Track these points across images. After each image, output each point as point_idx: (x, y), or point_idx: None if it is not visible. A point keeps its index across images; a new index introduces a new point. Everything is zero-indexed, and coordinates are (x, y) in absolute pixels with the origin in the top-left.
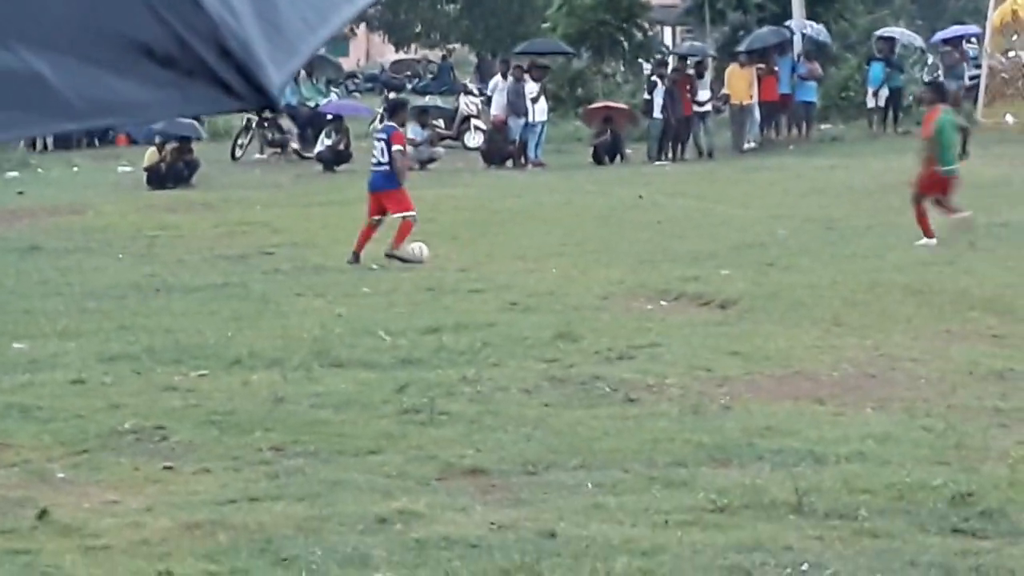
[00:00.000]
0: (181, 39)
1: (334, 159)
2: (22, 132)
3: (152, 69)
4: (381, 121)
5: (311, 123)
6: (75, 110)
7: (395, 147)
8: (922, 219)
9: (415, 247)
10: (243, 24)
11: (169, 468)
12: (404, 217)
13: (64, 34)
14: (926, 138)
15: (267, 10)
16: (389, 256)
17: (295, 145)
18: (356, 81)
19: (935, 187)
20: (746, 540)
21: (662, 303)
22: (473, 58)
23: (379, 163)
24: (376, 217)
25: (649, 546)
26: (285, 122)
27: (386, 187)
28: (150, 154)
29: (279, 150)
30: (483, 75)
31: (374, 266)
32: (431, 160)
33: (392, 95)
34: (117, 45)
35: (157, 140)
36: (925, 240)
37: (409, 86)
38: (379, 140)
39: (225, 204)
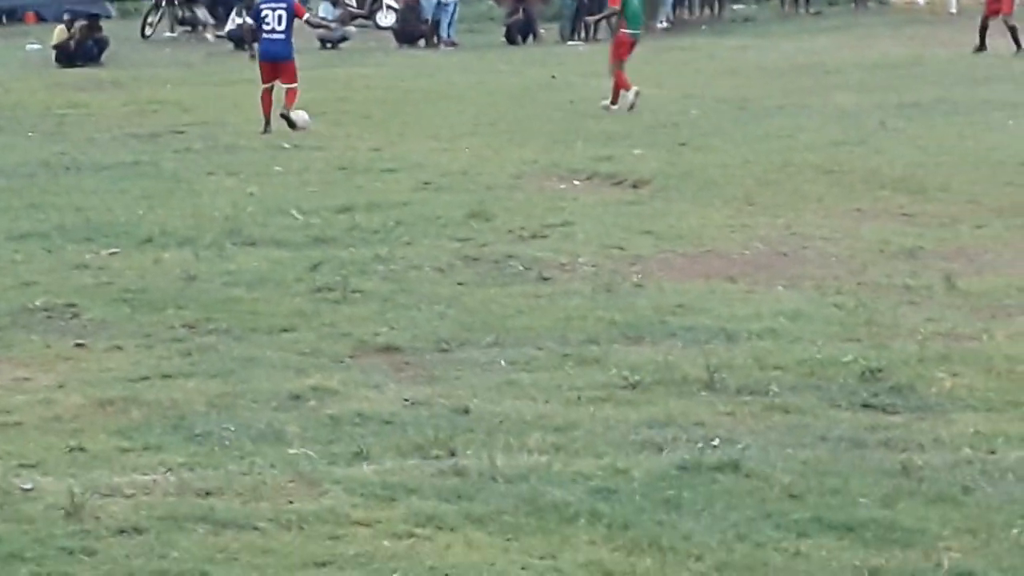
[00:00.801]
0: None
1: (245, 38)
2: None
3: None
4: None
5: (222, 2)
6: None
7: (305, 17)
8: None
9: (303, 114)
10: None
11: (81, 345)
12: (290, 88)
13: None
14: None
15: None
16: (284, 116)
17: (210, 21)
18: None
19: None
20: (658, 416)
21: (575, 182)
22: None
23: (274, 31)
24: (270, 84)
25: (562, 422)
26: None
27: (285, 57)
28: (59, 32)
29: (190, 28)
30: None
31: (286, 145)
32: (343, 39)
33: None
34: None
35: (66, 17)
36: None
37: None
38: (277, 10)
39: (135, 83)
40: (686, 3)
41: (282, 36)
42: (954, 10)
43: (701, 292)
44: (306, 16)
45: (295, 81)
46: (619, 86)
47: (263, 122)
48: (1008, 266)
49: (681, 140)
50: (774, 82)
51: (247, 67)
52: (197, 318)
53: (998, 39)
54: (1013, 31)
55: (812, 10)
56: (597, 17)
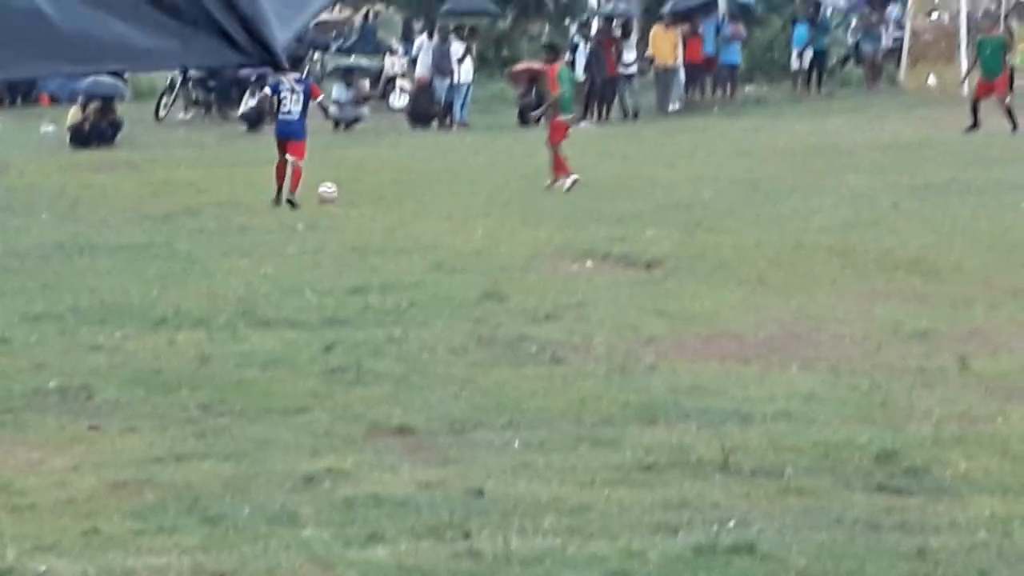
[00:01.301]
0: None
1: (258, 119)
2: (21, 71)
3: (157, 16)
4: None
5: (236, 83)
6: (75, 52)
7: (319, 99)
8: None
9: (324, 188)
10: None
11: (95, 427)
12: (297, 165)
13: None
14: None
15: None
16: (289, 202)
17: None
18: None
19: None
20: (673, 498)
21: (588, 263)
22: (398, 18)
23: (290, 112)
24: (285, 157)
25: (577, 504)
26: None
27: (299, 137)
28: (73, 113)
29: (204, 110)
30: (409, 35)
31: (299, 226)
32: (356, 120)
33: (318, 55)
34: None
35: (80, 99)
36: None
37: (334, 46)
38: (295, 92)
39: (149, 164)
40: (698, 85)
41: (297, 117)
42: (965, 92)
43: (715, 373)
44: (320, 98)
45: (302, 157)
46: (558, 169)
47: (275, 191)
48: (1023, 348)
49: (694, 221)
50: (786, 163)
51: (261, 148)
52: (211, 399)
53: (999, 119)
54: (1010, 111)
55: (824, 92)
56: (541, 110)
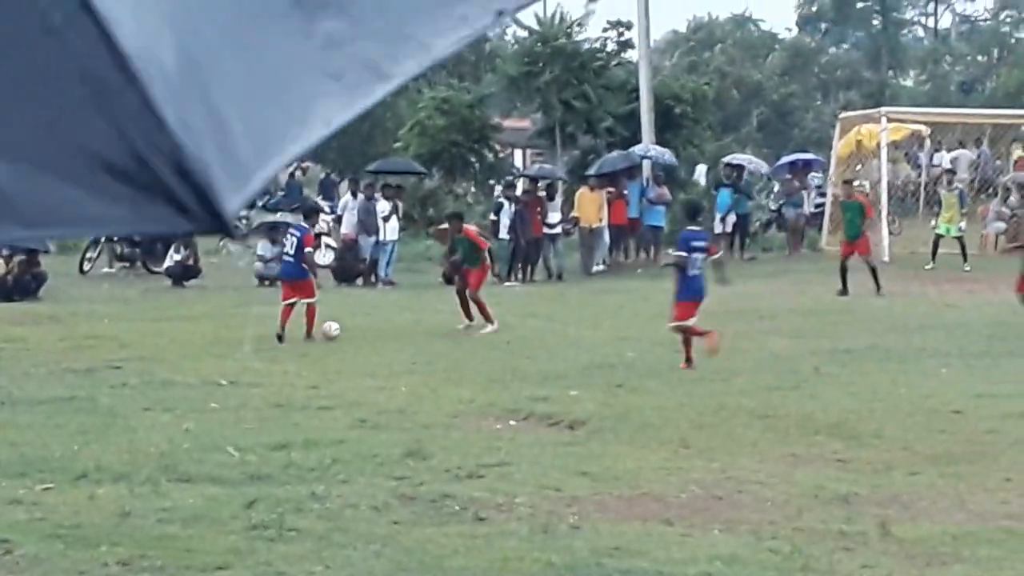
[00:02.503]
0: (141, 156)
1: (183, 274)
2: None
3: (109, 183)
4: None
5: (160, 238)
6: (26, 218)
7: (307, 249)
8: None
9: (328, 325)
10: (203, 149)
11: None
12: (309, 303)
13: (22, 141)
14: None
15: (224, 139)
16: (308, 338)
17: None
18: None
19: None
20: None
21: (511, 422)
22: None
23: (288, 254)
24: (290, 300)
25: None
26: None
27: (299, 277)
28: None
29: (128, 264)
30: (326, 193)
31: (222, 381)
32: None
33: (243, 211)
34: (76, 156)
35: (4, 252)
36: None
37: (259, 203)
38: (292, 236)
39: (73, 317)
40: (623, 246)
41: (292, 259)
42: (886, 258)
43: (638, 535)
44: (307, 250)
45: (311, 296)
46: (486, 314)
47: (279, 328)
48: (942, 514)
49: (617, 382)
50: (709, 325)
51: (184, 303)
52: (131, 555)
53: (920, 285)
54: (874, 272)
55: (746, 256)
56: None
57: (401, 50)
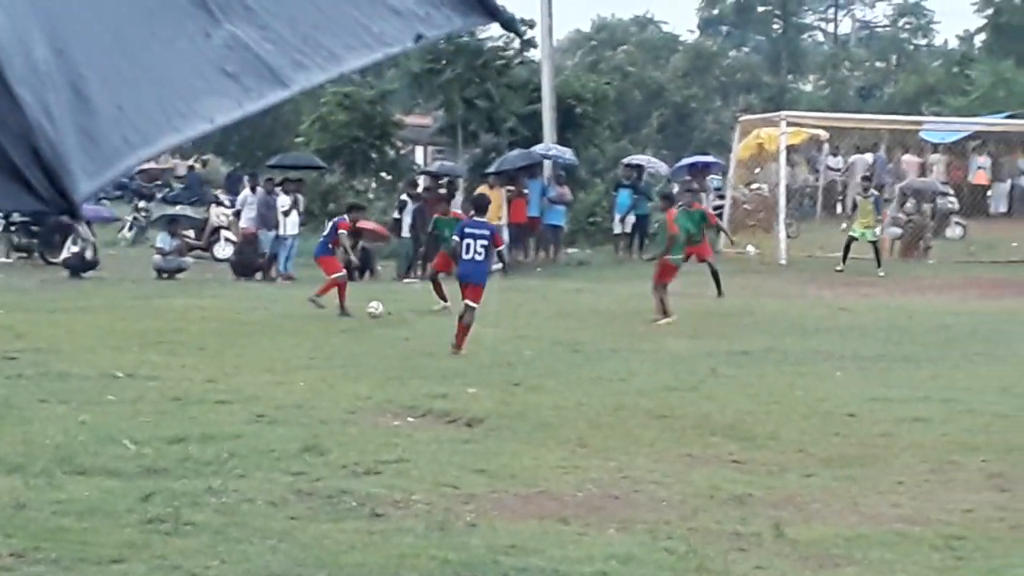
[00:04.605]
0: None
1: (80, 265)
2: None
3: None
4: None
5: (59, 229)
6: None
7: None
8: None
9: (376, 305)
10: (59, 130)
11: None
12: (336, 277)
13: None
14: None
15: (87, 122)
16: (313, 300)
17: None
18: (105, 188)
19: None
20: None
21: (409, 419)
22: (224, 169)
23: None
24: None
25: None
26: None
27: (316, 255)
28: None
29: (25, 255)
30: (233, 187)
31: (119, 374)
32: (180, 270)
33: (143, 203)
34: None
35: None
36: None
37: (159, 195)
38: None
39: None
40: (522, 245)
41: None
42: (784, 261)
43: (534, 533)
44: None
45: (330, 273)
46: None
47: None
48: (836, 516)
49: (515, 380)
50: (608, 326)
51: (82, 295)
52: (25, 547)
53: (817, 289)
54: (715, 275)
55: (646, 257)
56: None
57: (310, 58)
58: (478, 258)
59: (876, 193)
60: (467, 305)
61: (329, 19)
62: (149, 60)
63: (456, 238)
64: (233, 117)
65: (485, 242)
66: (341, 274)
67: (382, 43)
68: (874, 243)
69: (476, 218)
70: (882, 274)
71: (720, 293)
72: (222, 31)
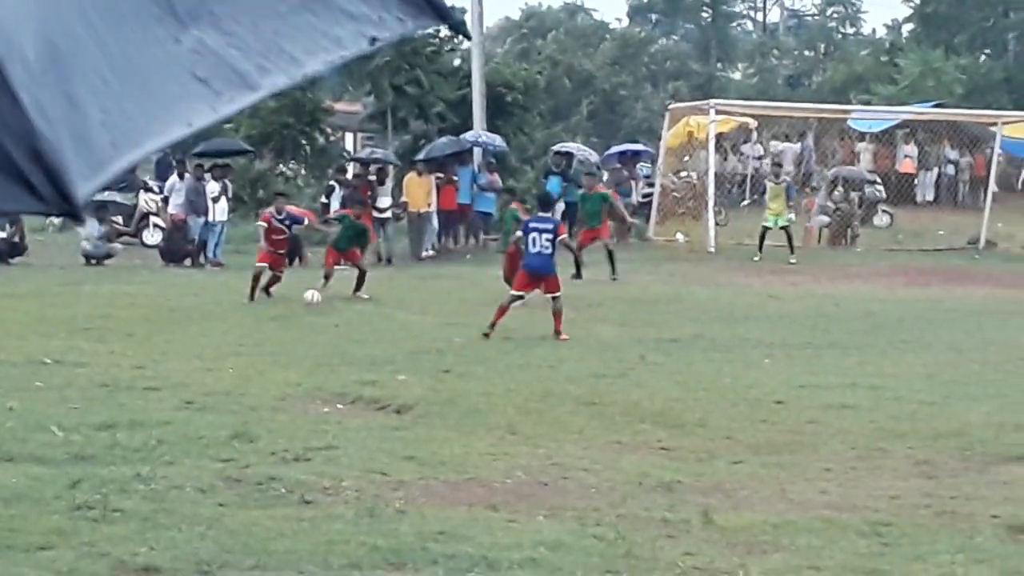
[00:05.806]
0: None
1: (8, 251)
2: None
3: None
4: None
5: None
6: None
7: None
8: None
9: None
10: (58, 134)
11: None
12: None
13: None
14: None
15: (81, 127)
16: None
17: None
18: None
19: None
20: None
21: (339, 406)
22: (154, 155)
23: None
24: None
25: None
26: None
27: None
28: None
29: None
30: (162, 173)
31: (47, 360)
32: (108, 256)
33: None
34: None
35: None
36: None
37: None
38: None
39: None
40: (451, 233)
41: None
42: (712, 249)
43: (463, 520)
44: (306, 222)
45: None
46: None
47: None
48: (764, 503)
49: (445, 367)
50: (536, 313)
51: (9, 281)
52: None
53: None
54: (611, 255)
55: (575, 243)
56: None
57: (273, 63)
58: (545, 251)
59: (788, 179)
60: (553, 298)
61: (289, 25)
62: (127, 65)
63: (520, 233)
64: (208, 120)
65: (550, 236)
66: (263, 265)
67: (340, 46)
68: (785, 229)
69: (541, 214)
70: (794, 261)
71: (614, 274)
72: (190, 36)
